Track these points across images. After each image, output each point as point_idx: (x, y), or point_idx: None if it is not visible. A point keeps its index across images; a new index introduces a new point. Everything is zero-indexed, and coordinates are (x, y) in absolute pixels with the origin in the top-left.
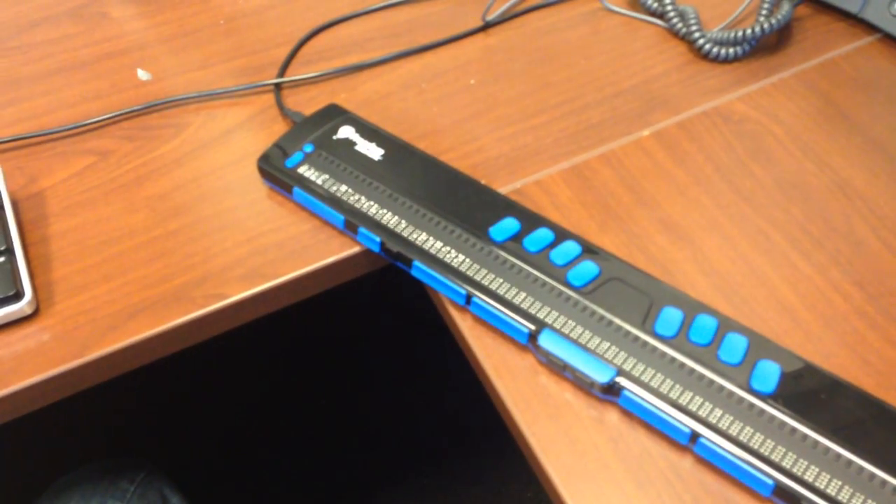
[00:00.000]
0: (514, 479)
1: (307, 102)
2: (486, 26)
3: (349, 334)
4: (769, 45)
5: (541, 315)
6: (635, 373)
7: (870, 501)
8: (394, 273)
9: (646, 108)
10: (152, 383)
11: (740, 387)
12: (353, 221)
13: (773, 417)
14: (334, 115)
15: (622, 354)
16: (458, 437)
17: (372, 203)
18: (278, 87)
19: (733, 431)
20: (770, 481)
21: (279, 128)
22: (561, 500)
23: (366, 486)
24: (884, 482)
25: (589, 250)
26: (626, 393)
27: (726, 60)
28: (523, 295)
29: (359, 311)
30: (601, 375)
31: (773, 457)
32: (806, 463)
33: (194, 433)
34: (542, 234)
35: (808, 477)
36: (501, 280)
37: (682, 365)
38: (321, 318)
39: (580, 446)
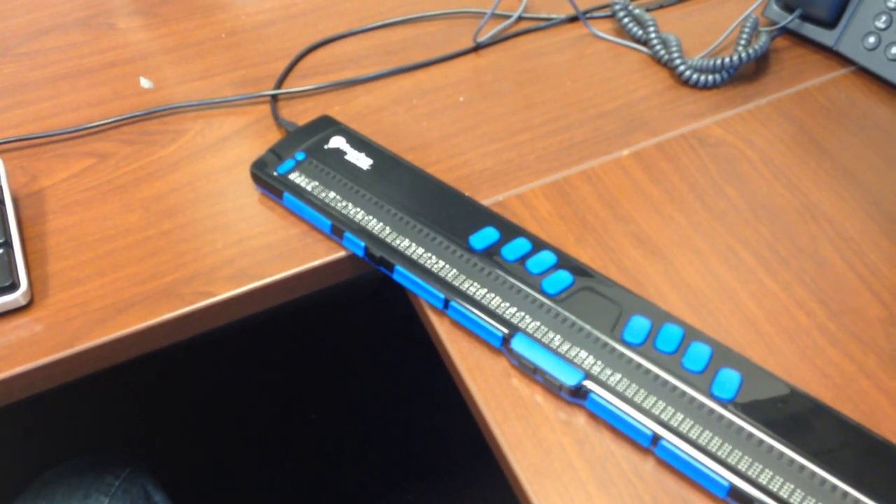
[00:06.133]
0: (498, 497)
1: (302, 114)
2: (477, 47)
3: (339, 350)
4: (747, 73)
5: (514, 320)
6: (602, 377)
7: None
8: (386, 290)
9: (626, 129)
10: (140, 382)
11: (702, 393)
12: (340, 227)
13: (731, 423)
14: (326, 125)
15: (591, 359)
16: (443, 454)
17: (358, 210)
18: (274, 99)
19: (693, 435)
20: (725, 483)
21: (273, 137)
22: (526, 496)
23: (350, 498)
24: (834, 487)
25: (564, 261)
26: (592, 396)
27: (705, 87)
28: (499, 300)
29: (350, 327)
30: (569, 378)
31: (729, 460)
32: (760, 466)
33: (180, 434)
34: (520, 244)
35: (762, 480)
36: (479, 286)
37: (648, 371)
38: (313, 332)
39: (547, 446)
